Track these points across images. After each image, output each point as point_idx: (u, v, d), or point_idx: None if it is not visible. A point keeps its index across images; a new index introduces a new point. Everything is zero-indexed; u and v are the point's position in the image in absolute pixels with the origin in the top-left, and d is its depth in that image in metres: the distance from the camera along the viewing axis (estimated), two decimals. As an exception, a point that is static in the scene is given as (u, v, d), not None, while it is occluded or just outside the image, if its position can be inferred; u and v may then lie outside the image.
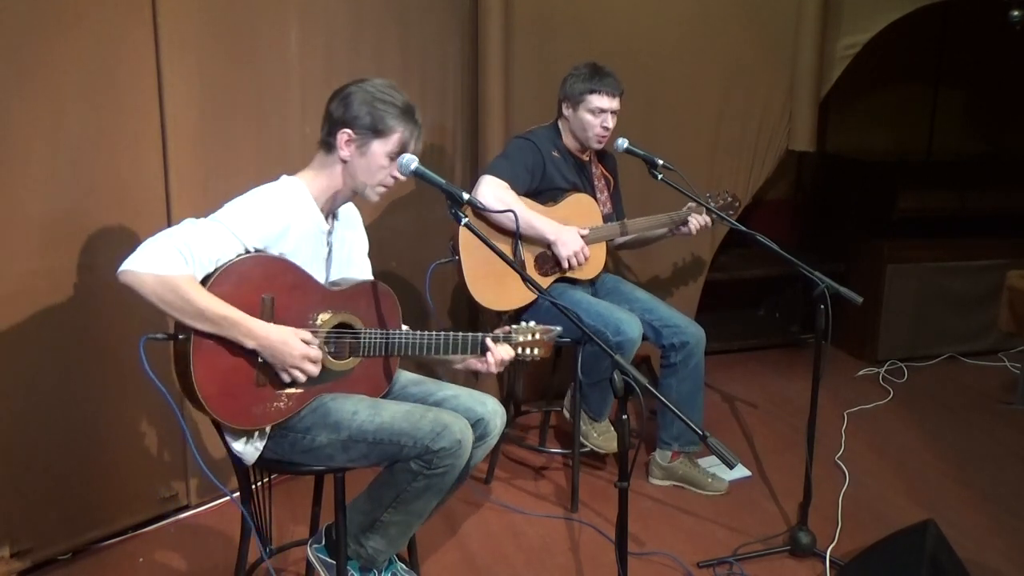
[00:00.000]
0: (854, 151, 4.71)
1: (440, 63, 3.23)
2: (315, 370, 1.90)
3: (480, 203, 1.97)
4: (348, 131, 1.96)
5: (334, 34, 2.89)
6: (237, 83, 2.65)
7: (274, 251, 1.90)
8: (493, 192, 2.72)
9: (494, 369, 2.08)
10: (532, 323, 2.15)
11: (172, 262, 1.73)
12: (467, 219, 1.92)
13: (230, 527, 2.69)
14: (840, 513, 2.86)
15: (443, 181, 1.95)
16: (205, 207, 2.55)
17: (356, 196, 2.08)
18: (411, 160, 1.98)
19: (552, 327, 2.16)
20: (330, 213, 2.08)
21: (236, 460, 2.02)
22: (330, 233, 2.08)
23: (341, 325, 1.99)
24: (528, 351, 2.12)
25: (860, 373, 4.19)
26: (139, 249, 1.74)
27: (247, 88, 2.69)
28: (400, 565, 2.18)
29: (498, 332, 2.11)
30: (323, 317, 1.96)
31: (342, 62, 2.91)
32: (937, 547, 2.20)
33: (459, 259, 2.75)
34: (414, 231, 3.26)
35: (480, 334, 2.08)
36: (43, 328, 2.37)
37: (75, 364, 2.44)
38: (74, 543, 2.54)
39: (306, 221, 1.98)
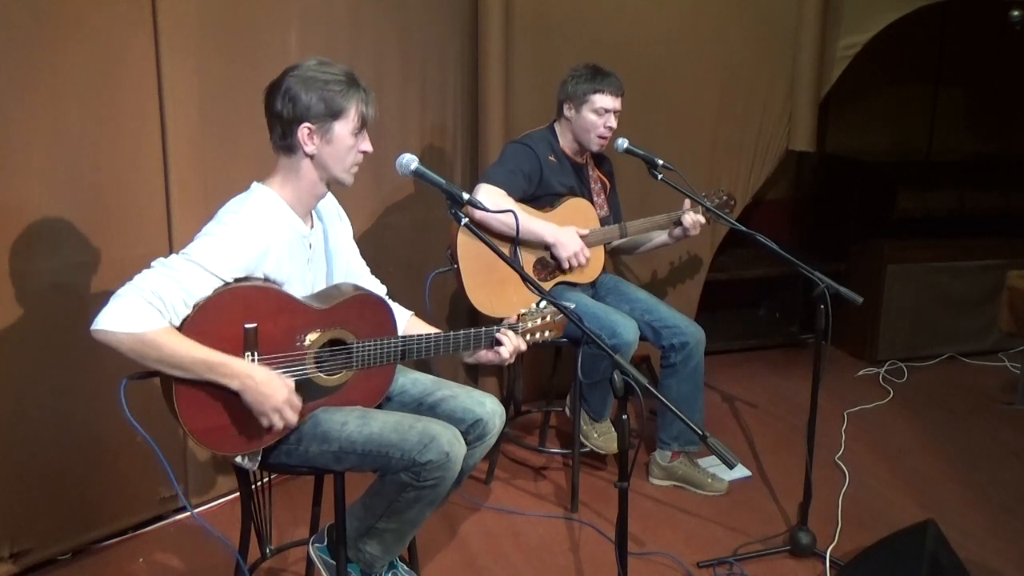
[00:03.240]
0: (854, 151, 4.71)
1: (440, 63, 3.23)
2: (293, 419, 1.83)
3: (480, 203, 1.96)
4: (307, 125, 1.87)
5: (334, 34, 2.89)
6: (237, 83, 2.65)
7: (257, 274, 1.84)
8: (490, 200, 2.71)
9: (508, 360, 2.05)
10: (541, 305, 2.11)
11: (145, 317, 1.66)
12: (467, 219, 1.92)
13: (230, 527, 2.69)
14: (840, 513, 2.86)
15: (443, 181, 1.94)
16: (205, 207, 2.55)
17: (332, 186, 2.00)
18: (411, 160, 1.97)
19: (564, 303, 2.13)
20: (309, 214, 2.02)
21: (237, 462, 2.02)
22: (316, 235, 2.04)
23: (332, 342, 1.94)
24: (540, 334, 2.11)
25: (860, 373, 4.19)
26: (110, 305, 1.67)
27: (247, 88, 2.67)
28: (401, 566, 2.18)
29: (507, 321, 2.09)
30: (311, 337, 1.90)
31: (342, 62, 2.90)
32: (937, 547, 2.20)
33: (457, 267, 2.75)
34: (411, 234, 3.26)
35: (484, 328, 2.05)
36: (43, 328, 2.37)
37: (75, 364, 2.44)
38: (74, 543, 2.54)
39: (285, 232, 1.91)
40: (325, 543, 2.10)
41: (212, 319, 1.75)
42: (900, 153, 4.85)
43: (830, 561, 2.55)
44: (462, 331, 2.04)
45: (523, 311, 2.11)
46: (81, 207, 2.40)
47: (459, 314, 3.48)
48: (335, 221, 2.16)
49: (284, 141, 1.90)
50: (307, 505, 2.41)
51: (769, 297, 4.80)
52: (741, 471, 3.16)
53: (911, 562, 2.20)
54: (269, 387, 1.79)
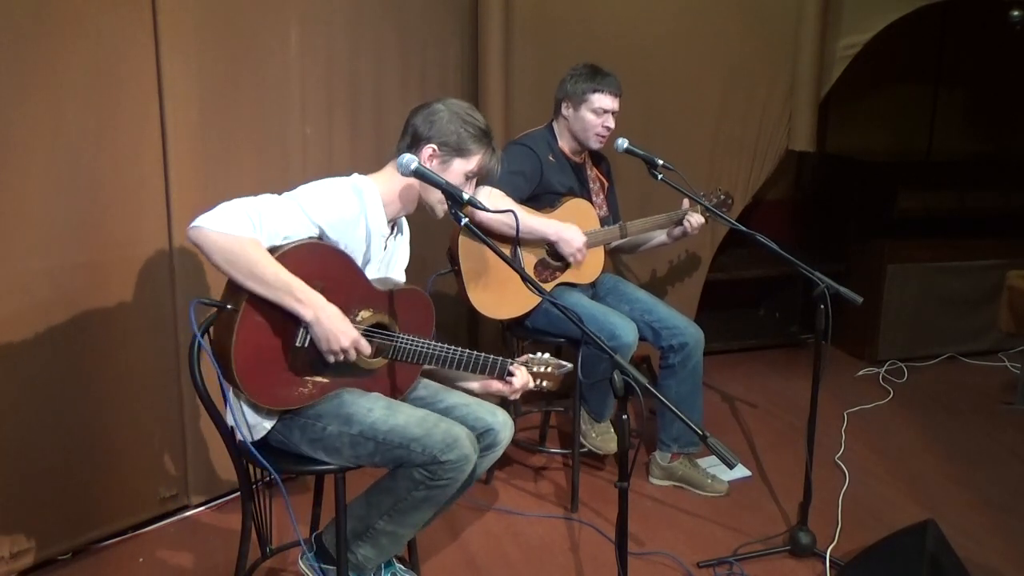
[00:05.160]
0: (854, 151, 4.71)
1: (440, 63, 3.23)
2: (353, 356, 1.92)
3: (480, 203, 1.97)
4: (433, 147, 2.04)
5: (334, 34, 2.89)
6: (237, 83, 2.65)
7: (340, 240, 1.95)
8: (491, 201, 2.70)
9: (516, 393, 2.11)
10: (546, 355, 2.17)
11: (242, 226, 1.78)
12: (467, 219, 1.92)
13: (230, 527, 2.69)
14: (840, 513, 2.86)
15: (443, 181, 1.95)
16: (205, 207, 2.56)
17: (418, 210, 2.13)
18: (411, 160, 1.98)
19: (563, 363, 2.18)
20: (393, 220, 2.13)
21: (237, 459, 2.02)
22: (387, 238, 2.13)
23: (378, 325, 2.02)
24: (539, 382, 2.16)
25: (860, 373, 4.20)
26: (211, 211, 1.80)
27: (247, 88, 2.69)
28: (399, 566, 2.19)
29: (519, 360, 2.13)
30: (364, 314, 1.99)
31: (342, 62, 2.91)
32: (937, 547, 2.21)
33: (458, 269, 2.75)
34: (411, 235, 3.25)
35: (502, 358, 2.10)
36: (43, 328, 2.36)
37: (75, 364, 2.44)
38: (74, 543, 2.54)
39: (372, 220, 2.03)
40: (314, 551, 2.10)
41: (290, 263, 1.84)
42: (900, 153, 4.85)
43: (830, 561, 2.55)
44: (482, 353, 2.09)
45: (531, 356, 2.16)
46: (81, 207, 2.40)
47: (459, 316, 3.48)
48: (404, 239, 2.26)
49: (409, 150, 2.06)
50: (307, 505, 2.42)
51: (769, 297, 4.80)
52: (741, 471, 3.16)
53: (911, 562, 2.20)
54: (343, 324, 1.88)
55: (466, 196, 1.93)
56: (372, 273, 2.08)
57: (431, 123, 2.05)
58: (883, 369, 4.19)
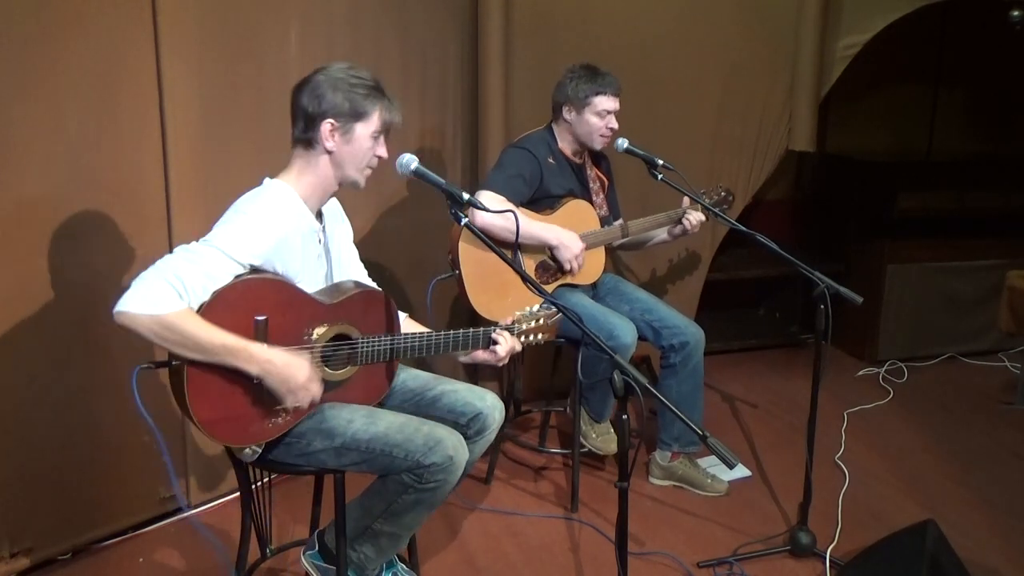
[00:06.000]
0: (854, 151, 4.71)
1: (440, 63, 3.23)
2: (318, 394, 1.87)
3: (480, 203, 1.97)
4: (330, 121, 1.93)
5: (334, 34, 2.89)
6: (237, 83, 2.65)
7: (272, 265, 1.87)
8: (491, 206, 2.70)
9: (503, 360, 2.06)
10: (535, 308, 2.13)
11: (166, 299, 1.68)
12: (467, 219, 1.92)
13: (230, 527, 2.69)
14: (840, 513, 2.86)
15: (443, 181, 1.94)
16: (205, 207, 2.57)
17: (342, 187, 2.04)
18: (411, 160, 1.98)
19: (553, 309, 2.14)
20: (318, 210, 2.05)
21: (236, 460, 2.02)
22: (321, 231, 2.06)
23: (338, 336, 1.97)
24: (534, 336, 2.12)
25: (860, 373, 4.20)
26: (132, 288, 1.69)
27: (247, 88, 2.69)
28: (400, 565, 2.19)
29: (503, 323, 2.10)
30: (319, 331, 1.92)
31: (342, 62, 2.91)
32: (937, 547, 2.20)
33: (459, 273, 2.74)
34: (410, 236, 3.26)
35: (483, 329, 2.06)
36: (43, 328, 2.37)
37: (75, 364, 2.44)
38: (74, 543, 2.54)
39: (299, 226, 1.95)
40: (316, 549, 2.10)
41: (224, 310, 1.77)
42: (900, 153, 4.85)
43: (830, 561, 2.55)
44: (460, 330, 2.05)
45: (518, 313, 2.12)
46: (80, 207, 2.40)
47: (459, 319, 3.48)
48: (337, 222, 2.18)
49: (306, 134, 1.96)
50: (307, 505, 2.42)
51: (769, 297, 4.80)
52: (741, 471, 3.16)
53: (911, 562, 2.20)
54: (289, 369, 1.81)
55: (466, 196, 1.93)
56: (317, 275, 2.02)
57: (318, 98, 1.92)
58: (883, 369, 4.19)
